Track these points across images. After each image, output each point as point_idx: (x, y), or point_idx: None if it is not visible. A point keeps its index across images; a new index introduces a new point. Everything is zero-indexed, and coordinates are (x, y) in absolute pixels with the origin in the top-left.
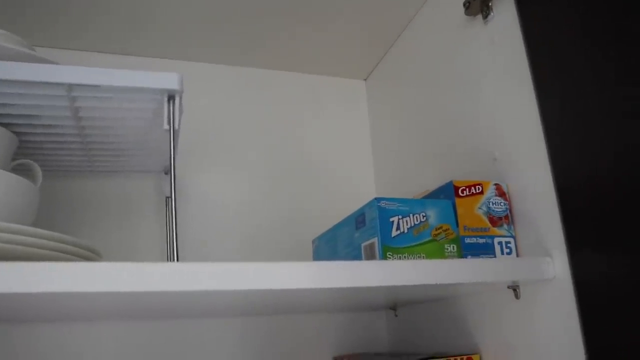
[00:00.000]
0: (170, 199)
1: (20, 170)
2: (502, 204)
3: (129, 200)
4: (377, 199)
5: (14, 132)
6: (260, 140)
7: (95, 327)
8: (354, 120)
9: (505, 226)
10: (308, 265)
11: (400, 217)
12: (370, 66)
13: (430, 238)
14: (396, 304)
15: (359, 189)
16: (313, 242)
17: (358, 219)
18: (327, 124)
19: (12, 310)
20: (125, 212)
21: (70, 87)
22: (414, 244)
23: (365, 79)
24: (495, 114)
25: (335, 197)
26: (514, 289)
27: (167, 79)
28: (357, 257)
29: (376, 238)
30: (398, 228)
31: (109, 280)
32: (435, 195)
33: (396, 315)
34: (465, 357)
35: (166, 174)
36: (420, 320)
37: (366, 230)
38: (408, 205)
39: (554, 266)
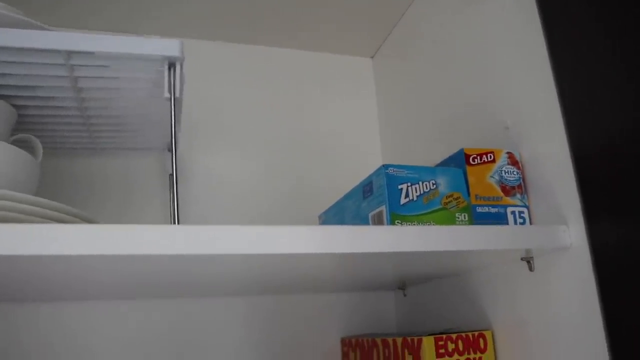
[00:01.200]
0: (172, 173)
1: (20, 145)
2: (514, 172)
3: (131, 178)
4: (385, 166)
5: (13, 106)
6: (265, 118)
7: (98, 307)
8: (361, 99)
9: (518, 196)
10: (312, 229)
11: (409, 184)
12: (377, 43)
13: (440, 206)
14: (405, 282)
15: (366, 166)
16: (319, 217)
17: (365, 188)
18: (333, 101)
19: (14, 283)
20: (128, 191)
21: (69, 54)
22: (423, 212)
23: (372, 57)
24: (507, 82)
25: (342, 174)
26: (528, 261)
27: (168, 46)
28: None
29: (384, 206)
30: (407, 195)
31: (109, 242)
32: (445, 164)
33: (405, 295)
34: (476, 334)
35: (169, 151)
36: (430, 300)
37: (374, 199)
38: (417, 173)
39: (570, 234)
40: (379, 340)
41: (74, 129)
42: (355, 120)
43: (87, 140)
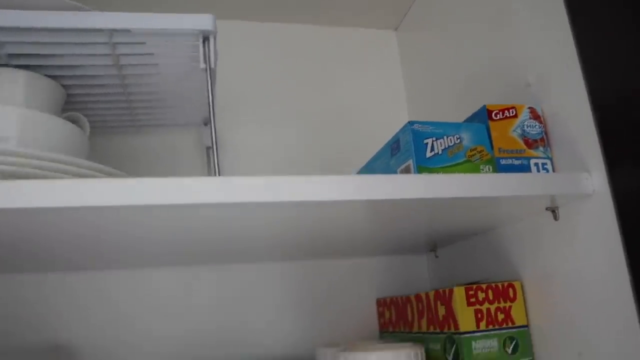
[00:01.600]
0: (212, 143)
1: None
2: (537, 126)
3: (171, 154)
4: (411, 122)
5: (62, 86)
6: (294, 93)
7: (132, 274)
8: (386, 70)
9: (541, 148)
10: (350, 179)
11: (434, 139)
12: (400, 15)
13: (465, 159)
14: (436, 243)
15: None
16: None
17: (393, 146)
18: (360, 74)
19: (65, 246)
20: (168, 165)
21: (111, 33)
22: (448, 164)
23: (395, 29)
24: (528, 40)
25: (370, 144)
26: (553, 210)
27: (202, 20)
28: None
29: (411, 160)
30: (432, 149)
31: (149, 192)
32: (469, 121)
33: (437, 257)
34: (506, 284)
35: (205, 125)
36: (461, 260)
37: (401, 155)
38: (442, 128)
39: (592, 182)
40: (412, 297)
41: (116, 106)
42: (381, 91)
43: (128, 118)
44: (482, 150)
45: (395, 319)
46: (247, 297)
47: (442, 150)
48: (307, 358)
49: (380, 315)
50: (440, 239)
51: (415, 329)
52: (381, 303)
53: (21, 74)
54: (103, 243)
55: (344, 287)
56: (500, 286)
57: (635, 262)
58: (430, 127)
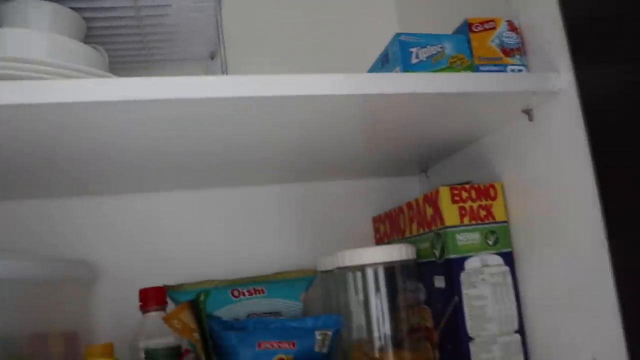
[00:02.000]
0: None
1: None
2: (514, 37)
3: None
4: (398, 34)
5: (83, 18)
6: (295, 30)
7: (148, 197)
8: (380, 7)
9: (517, 57)
10: (344, 76)
11: (419, 48)
12: None
13: (447, 65)
14: (427, 163)
15: None
16: None
17: (383, 59)
18: (357, 9)
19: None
20: None
21: None
22: (432, 69)
23: None
24: None
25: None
26: (528, 112)
27: None
28: None
29: (399, 67)
30: (417, 57)
31: (160, 87)
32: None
33: (427, 177)
34: (487, 184)
35: (212, 59)
36: (449, 177)
37: (390, 64)
38: (425, 39)
39: (560, 80)
40: (404, 206)
41: (131, 40)
42: (376, 27)
43: (143, 52)
44: (463, 58)
45: (389, 230)
46: (253, 218)
47: (426, 57)
48: (309, 267)
49: (376, 231)
50: (430, 155)
51: (407, 235)
52: (377, 220)
53: (47, 5)
54: (121, 155)
55: (341, 207)
56: (482, 186)
57: (598, 154)
58: (416, 38)
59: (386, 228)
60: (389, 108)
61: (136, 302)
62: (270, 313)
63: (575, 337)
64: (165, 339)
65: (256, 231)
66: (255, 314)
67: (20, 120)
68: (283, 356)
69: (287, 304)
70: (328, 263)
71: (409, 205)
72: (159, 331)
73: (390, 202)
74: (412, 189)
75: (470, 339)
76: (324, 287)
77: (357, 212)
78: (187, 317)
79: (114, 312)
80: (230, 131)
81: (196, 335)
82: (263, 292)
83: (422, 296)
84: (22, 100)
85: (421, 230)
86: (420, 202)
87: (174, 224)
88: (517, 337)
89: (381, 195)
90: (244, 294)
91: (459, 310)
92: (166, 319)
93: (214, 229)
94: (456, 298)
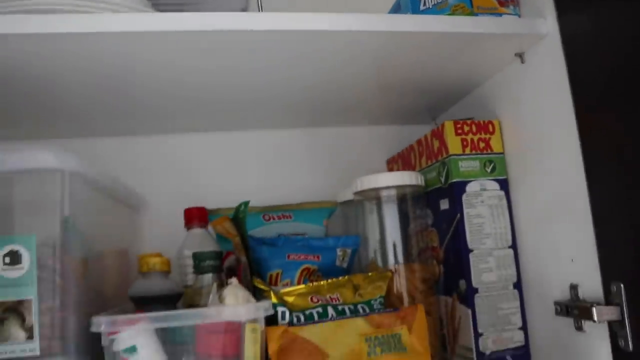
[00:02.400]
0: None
1: None
2: None
3: None
4: None
5: None
6: None
7: (189, 137)
8: None
9: (511, 7)
10: (361, 15)
11: None
12: None
13: (450, 12)
14: (436, 109)
15: None
16: None
17: (396, 7)
18: None
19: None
20: None
21: None
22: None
23: None
24: None
25: None
26: (520, 55)
27: None
28: None
29: (409, 12)
30: (425, 4)
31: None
32: None
33: (436, 124)
34: (487, 120)
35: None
36: None
37: (402, 11)
38: None
39: (547, 25)
40: (414, 144)
41: None
42: None
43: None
44: (464, 7)
45: (402, 168)
46: (281, 158)
47: (432, 5)
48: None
49: (390, 170)
50: (439, 103)
51: (417, 169)
52: (390, 161)
53: None
54: (179, 90)
55: (360, 151)
56: (482, 122)
57: (577, 93)
58: None
59: (399, 166)
60: (402, 46)
61: (176, 229)
62: (296, 235)
63: (557, 245)
64: (209, 248)
65: (284, 170)
66: (283, 235)
67: (93, 50)
68: (309, 266)
69: (311, 227)
70: (347, 194)
71: (418, 142)
72: (201, 243)
73: (403, 147)
74: (422, 134)
75: (470, 250)
76: (344, 215)
77: (374, 155)
78: (229, 225)
79: (159, 235)
80: (263, 63)
81: (237, 239)
82: (290, 217)
83: (429, 220)
84: (102, 29)
85: (429, 162)
86: (429, 136)
87: (211, 162)
88: (510, 251)
89: (394, 142)
90: (273, 218)
91: (461, 225)
92: (213, 224)
93: (247, 166)
94: (458, 215)
